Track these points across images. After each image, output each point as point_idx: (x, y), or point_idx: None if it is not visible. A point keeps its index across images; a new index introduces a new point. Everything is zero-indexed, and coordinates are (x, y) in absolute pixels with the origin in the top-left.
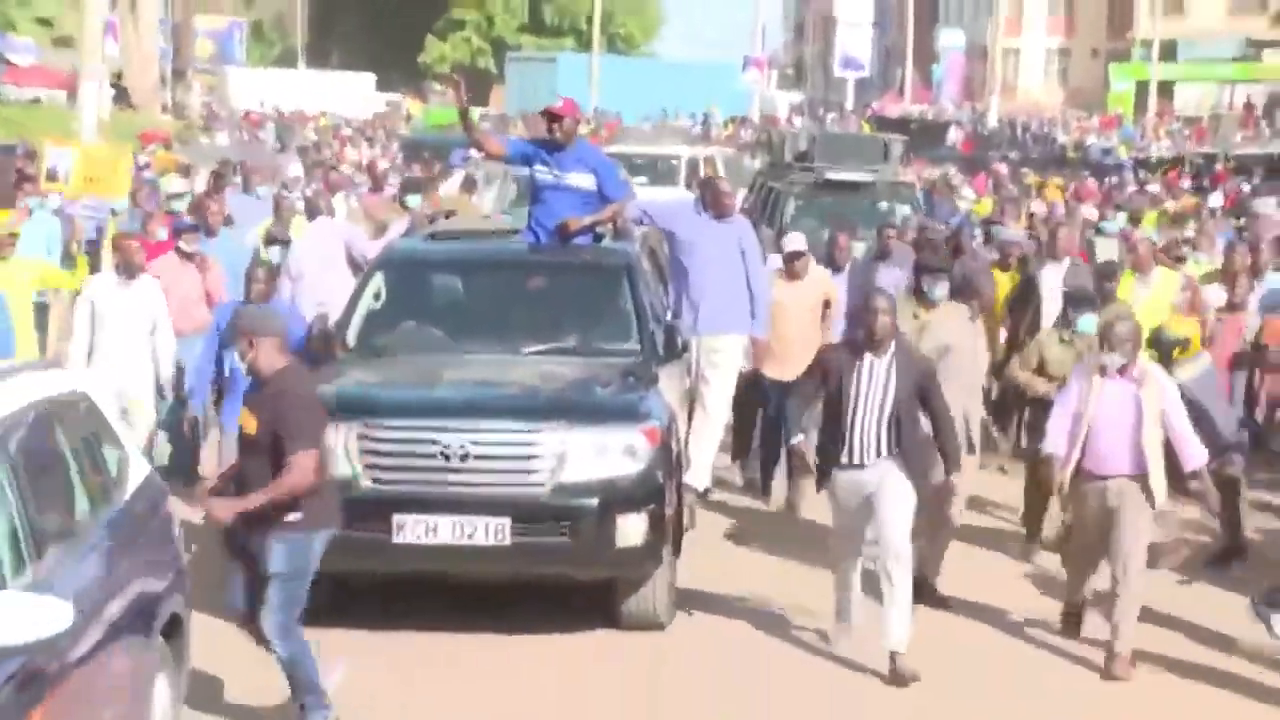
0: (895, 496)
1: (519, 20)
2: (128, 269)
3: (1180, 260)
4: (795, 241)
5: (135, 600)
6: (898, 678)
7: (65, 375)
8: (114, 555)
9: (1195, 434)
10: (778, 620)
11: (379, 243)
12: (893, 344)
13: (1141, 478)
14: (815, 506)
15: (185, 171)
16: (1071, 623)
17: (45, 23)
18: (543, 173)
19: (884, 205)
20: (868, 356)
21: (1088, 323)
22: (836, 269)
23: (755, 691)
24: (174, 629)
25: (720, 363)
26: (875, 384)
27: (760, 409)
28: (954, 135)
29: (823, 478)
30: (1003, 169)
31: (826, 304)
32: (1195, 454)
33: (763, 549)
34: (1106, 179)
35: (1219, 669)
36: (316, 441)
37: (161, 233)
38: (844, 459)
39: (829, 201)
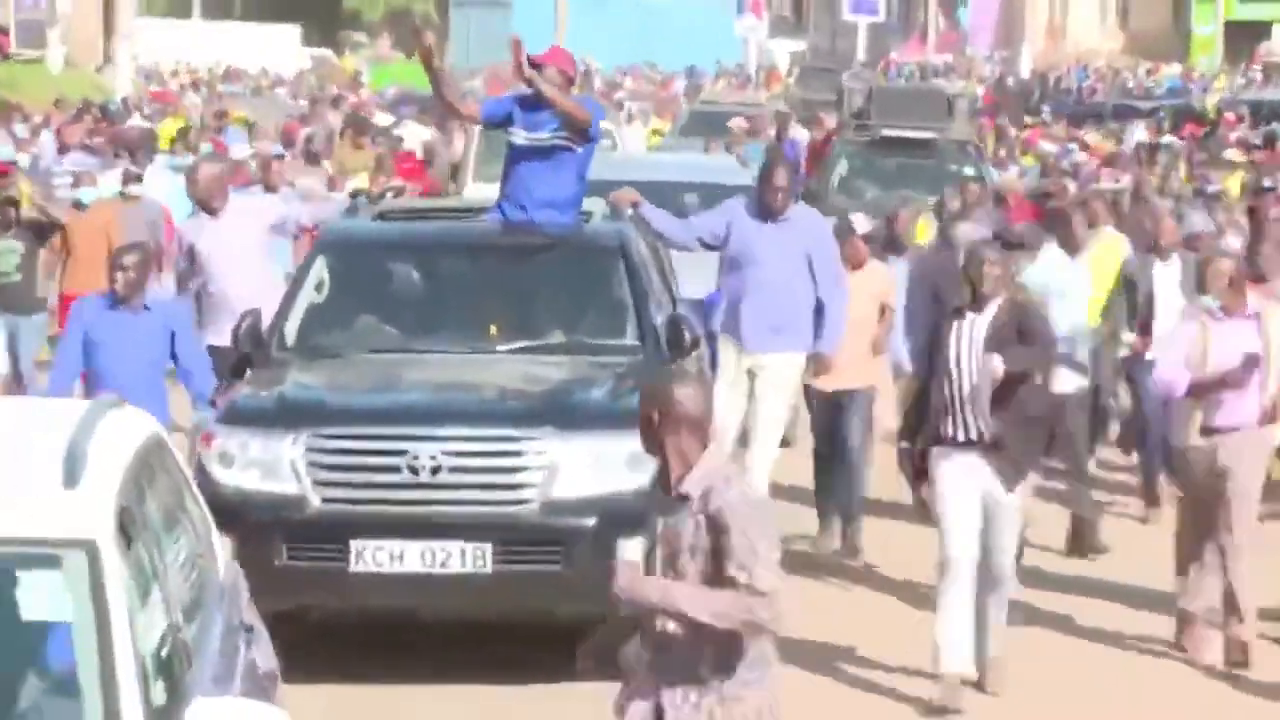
0: (1006, 513)
1: None
2: None
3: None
4: (861, 223)
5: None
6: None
7: (133, 412)
8: (233, 647)
9: None
10: (826, 669)
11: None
12: (996, 301)
13: (1257, 434)
14: (876, 548)
15: (248, 127)
16: (1188, 633)
17: None
18: (516, 135)
19: (953, 167)
20: (968, 315)
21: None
22: (897, 251)
23: None
24: None
25: (773, 382)
26: (975, 343)
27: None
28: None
29: (920, 478)
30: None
31: (882, 310)
32: None
33: (810, 587)
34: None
35: None
36: None
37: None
38: (950, 434)
39: (886, 162)
